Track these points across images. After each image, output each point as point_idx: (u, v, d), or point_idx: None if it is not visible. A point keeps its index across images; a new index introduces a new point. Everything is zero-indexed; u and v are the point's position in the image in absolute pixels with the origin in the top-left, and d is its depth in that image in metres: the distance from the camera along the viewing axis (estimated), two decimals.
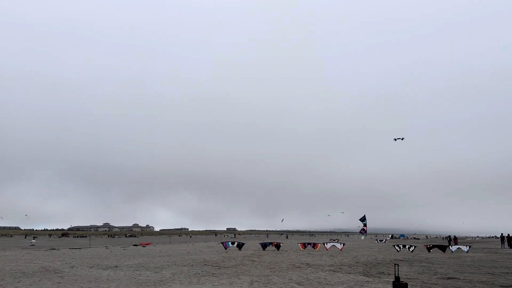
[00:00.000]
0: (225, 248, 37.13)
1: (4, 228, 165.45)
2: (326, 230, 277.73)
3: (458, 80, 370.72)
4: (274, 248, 37.01)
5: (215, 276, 16.03)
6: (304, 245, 39.15)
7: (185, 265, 20.96)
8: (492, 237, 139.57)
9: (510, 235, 45.80)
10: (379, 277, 16.53)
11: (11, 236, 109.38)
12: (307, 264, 22.34)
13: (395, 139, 43.98)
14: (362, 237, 72.82)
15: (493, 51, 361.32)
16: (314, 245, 38.33)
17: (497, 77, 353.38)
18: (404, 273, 18.16)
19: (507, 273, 18.23)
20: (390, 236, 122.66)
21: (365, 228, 48.79)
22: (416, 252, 35.26)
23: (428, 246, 37.87)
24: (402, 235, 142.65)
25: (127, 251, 35.55)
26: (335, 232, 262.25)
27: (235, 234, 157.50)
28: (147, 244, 53.41)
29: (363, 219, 47.87)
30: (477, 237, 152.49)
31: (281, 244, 37.81)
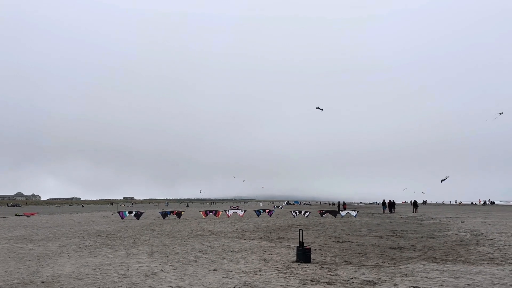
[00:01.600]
0: (122, 218, 35.20)
1: None
2: (226, 198, 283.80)
3: None
4: (175, 216, 36.15)
5: (110, 248, 14.77)
6: (206, 213, 38.96)
7: (75, 237, 19.12)
8: (373, 203, 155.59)
9: (391, 201, 51.04)
10: (280, 242, 16.84)
11: None
12: (210, 231, 22.03)
13: (317, 108, 44.66)
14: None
15: None
16: (216, 213, 38.34)
17: None
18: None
19: (392, 235, 19.95)
20: (285, 202, 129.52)
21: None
22: (311, 218, 37.34)
23: (321, 211, 40.37)
24: (296, 202, 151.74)
25: (7, 222, 31.73)
26: (235, 199, 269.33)
27: (132, 203, 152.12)
28: (32, 214, 48.51)
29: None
30: (361, 203, 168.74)
31: (182, 213, 37.08)
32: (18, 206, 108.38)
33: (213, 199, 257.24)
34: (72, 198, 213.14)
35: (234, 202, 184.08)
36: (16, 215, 47.58)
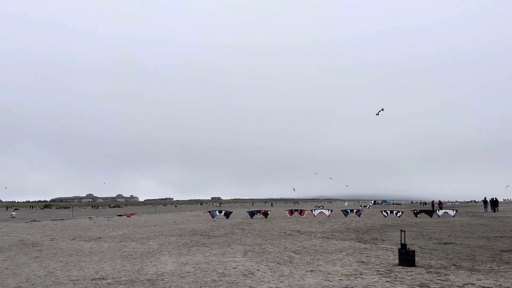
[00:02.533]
0: (212, 217, 36.50)
1: None
2: (308, 198, 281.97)
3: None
4: (261, 216, 36.56)
5: (206, 246, 15.21)
6: (291, 212, 38.84)
7: (172, 235, 20.11)
8: (471, 201, 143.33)
9: (493, 199, 46.38)
10: (374, 243, 16.02)
11: None
12: (298, 231, 21.79)
13: (377, 114, 42.80)
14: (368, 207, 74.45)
15: None
16: (301, 212, 38.04)
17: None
18: (398, 238, 17.72)
19: (501, 237, 17.97)
20: (372, 202, 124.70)
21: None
22: (403, 218, 35.30)
23: (415, 211, 38.00)
24: (385, 201, 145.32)
25: (111, 222, 34.59)
26: (318, 199, 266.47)
27: (220, 203, 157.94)
28: (132, 214, 52.49)
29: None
30: (456, 202, 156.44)
31: (268, 212, 37.38)
32: (119, 207, 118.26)
33: (296, 199, 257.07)
34: (166, 198, 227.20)
35: (318, 202, 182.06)
36: (118, 215, 51.76)
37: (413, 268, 10.03)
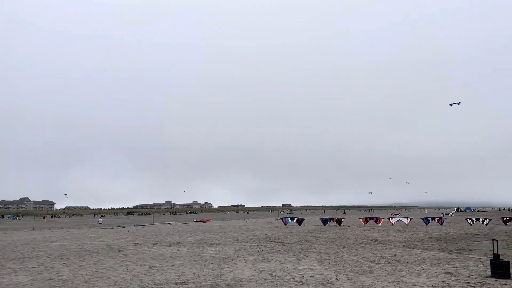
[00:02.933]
0: (285, 224, 36.46)
1: (75, 207, 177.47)
2: (383, 205, 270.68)
3: None
4: (335, 223, 35.78)
5: (280, 253, 15.18)
6: (366, 220, 37.56)
7: (247, 241, 20.38)
8: None
9: None
10: (461, 253, 14.88)
11: (81, 215, 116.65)
12: (375, 240, 20.96)
13: (451, 104, 39.64)
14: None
15: None
16: (377, 220, 36.60)
17: None
18: (487, 248, 16.32)
19: None
20: (455, 209, 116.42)
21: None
22: (491, 226, 32.54)
23: (505, 218, 34.87)
24: (468, 208, 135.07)
25: (188, 228, 35.97)
26: (394, 206, 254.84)
27: (291, 210, 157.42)
28: (207, 220, 54.21)
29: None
30: None
31: (342, 220, 36.47)
32: (195, 213, 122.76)
33: (370, 206, 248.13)
34: (238, 205, 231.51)
35: (394, 209, 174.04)
36: (195, 221, 53.75)
37: (508, 280, 9.14)
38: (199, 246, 18.42)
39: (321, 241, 20.38)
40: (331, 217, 40.57)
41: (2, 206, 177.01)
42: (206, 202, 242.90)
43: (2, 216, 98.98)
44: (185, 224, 43.29)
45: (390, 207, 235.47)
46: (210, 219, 59.58)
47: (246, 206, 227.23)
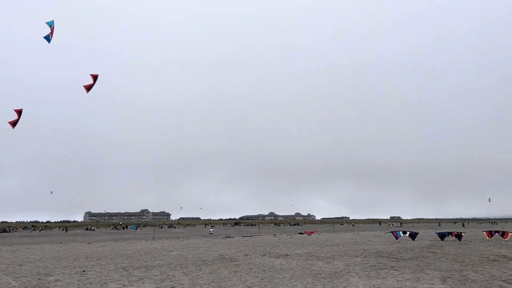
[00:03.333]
0: (396, 238, 34.34)
1: (188, 218, 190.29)
2: (509, 217, 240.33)
3: None
4: (454, 238, 32.68)
5: (395, 270, 14.27)
6: (491, 233, 33.66)
7: (357, 256, 19.61)
8: None
9: None
10: None
11: (193, 226, 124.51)
12: (505, 256, 18.63)
13: None
14: None
15: None
16: (504, 234, 32.51)
17: None
18: None
19: None
20: None
21: None
22: None
23: None
24: None
25: (294, 239, 35.99)
26: None
27: (401, 223, 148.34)
28: (312, 232, 53.71)
29: None
30: None
31: (462, 234, 33.16)
32: (298, 225, 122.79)
33: (492, 218, 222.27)
34: (342, 217, 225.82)
35: None
36: (299, 233, 53.65)
37: None
38: (307, 259, 18.23)
39: (440, 257, 18.73)
40: (449, 231, 37.19)
41: (126, 217, 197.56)
42: (309, 214, 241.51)
43: (126, 227, 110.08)
44: (291, 236, 43.41)
45: None
46: (315, 231, 58.93)
47: (350, 218, 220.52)
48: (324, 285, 11.24)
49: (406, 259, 17.88)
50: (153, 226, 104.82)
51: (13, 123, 22.44)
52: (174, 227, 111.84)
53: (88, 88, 22.32)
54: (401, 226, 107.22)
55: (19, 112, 22.48)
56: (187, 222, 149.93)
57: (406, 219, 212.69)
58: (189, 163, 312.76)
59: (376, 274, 13.16)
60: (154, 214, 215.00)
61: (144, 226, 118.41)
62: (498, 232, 33.95)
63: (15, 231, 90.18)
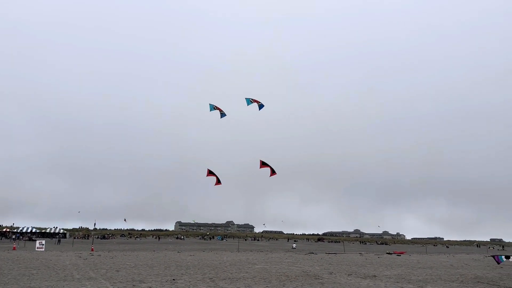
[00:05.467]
0: (498, 263, 31.00)
1: (271, 231, 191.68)
2: None
3: None
4: None
5: None
6: None
7: (453, 281, 18.11)
8: None
9: None
10: None
11: (276, 239, 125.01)
12: None
13: None
14: None
15: None
16: None
17: None
18: None
19: None
20: None
21: None
22: None
23: None
24: None
25: (382, 259, 34.35)
26: None
27: (503, 246, 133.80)
28: (402, 253, 50.77)
29: None
30: None
31: None
32: (386, 244, 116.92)
33: None
34: (435, 238, 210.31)
35: None
36: (387, 253, 51.02)
37: None
38: (397, 282, 17.27)
39: None
40: None
41: (212, 228, 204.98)
42: (398, 233, 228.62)
43: (213, 237, 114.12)
44: (378, 256, 41.49)
45: None
46: (405, 252, 55.61)
47: (444, 239, 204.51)
48: None
49: (510, 287, 16.10)
50: (238, 237, 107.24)
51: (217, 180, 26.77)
52: (258, 240, 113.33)
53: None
54: (503, 249, 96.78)
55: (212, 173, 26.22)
56: (270, 235, 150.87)
57: (509, 242, 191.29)
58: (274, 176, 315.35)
59: None
60: (238, 226, 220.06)
61: (229, 237, 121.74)
62: None
63: (114, 238, 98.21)
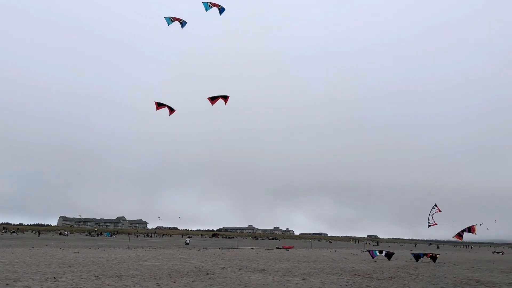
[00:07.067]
0: (372, 257, 34.49)
1: (165, 227, 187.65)
2: (483, 241, 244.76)
3: None
4: (429, 259, 33.08)
5: None
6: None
7: (333, 274, 19.63)
8: None
9: None
10: None
11: (170, 235, 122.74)
12: (478, 280, 18.92)
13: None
14: None
15: None
16: (426, 255, 32.84)
17: None
18: None
19: None
20: None
21: None
22: None
23: None
24: None
25: (271, 254, 35.82)
26: (494, 243, 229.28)
27: (377, 242, 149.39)
28: (290, 248, 53.60)
29: None
30: None
31: (437, 256, 33.60)
32: (276, 239, 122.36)
33: (467, 242, 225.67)
34: (320, 233, 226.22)
35: (495, 246, 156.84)
36: (277, 247, 53.41)
37: None
38: (284, 275, 18.15)
39: (414, 278, 18.92)
40: (425, 252, 37.61)
41: (101, 224, 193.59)
42: (287, 229, 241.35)
43: (101, 234, 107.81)
44: (268, 251, 43.20)
45: (490, 244, 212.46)
46: (292, 247, 58.82)
47: (328, 235, 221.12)
48: None
49: (381, 279, 17.99)
50: (129, 234, 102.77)
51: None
52: (151, 236, 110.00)
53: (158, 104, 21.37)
54: (377, 245, 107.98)
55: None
56: (164, 232, 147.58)
57: (383, 238, 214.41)
58: (170, 172, 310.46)
59: None
60: (130, 222, 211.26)
61: (119, 233, 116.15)
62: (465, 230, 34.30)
63: None
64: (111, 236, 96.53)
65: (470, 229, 32.32)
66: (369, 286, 15.38)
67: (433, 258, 32.71)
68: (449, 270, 24.73)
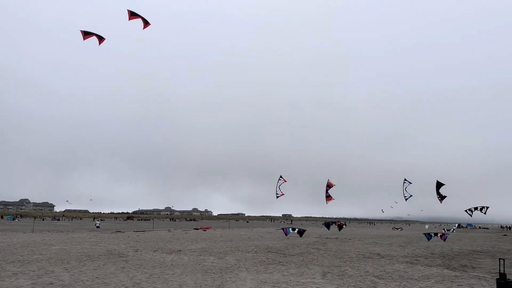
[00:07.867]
0: (286, 234, 36.26)
1: (75, 211, 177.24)
2: (384, 218, 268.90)
3: None
4: (336, 227, 35.86)
5: (282, 265, 15.05)
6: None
7: (248, 251, 20.24)
8: None
9: None
10: (464, 271, 14.71)
11: (81, 219, 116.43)
12: (378, 254, 20.78)
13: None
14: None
15: None
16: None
17: None
18: (490, 266, 16.16)
19: None
20: (456, 225, 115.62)
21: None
22: (494, 243, 32.30)
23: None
24: (470, 225, 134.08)
25: (189, 235, 35.80)
26: (395, 220, 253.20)
27: (291, 220, 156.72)
28: (207, 228, 54.00)
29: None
30: None
31: (343, 225, 36.53)
32: (195, 221, 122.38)
33: (370, 219, 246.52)
34: (238, 213, 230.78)
35: (395, 223, 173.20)
36: (195, 228, 53.51)
37: None
38: (200, 255, 18.28)
39: (323, 253, 20.22)
40: (334, 221, 40.76)
41: (1, 207, 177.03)
42: (206, 210, 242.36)
43: (2, 217, 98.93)
44: (185, 232, 43.09)
45: (391, 221, 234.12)
46: (210, 227, 59.35)
47: (246, 215, 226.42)
48: (214, 280, 11.38)
49: (293, 255, 18.95)
50: (34, 217, 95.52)
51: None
52: (58, 219, 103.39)
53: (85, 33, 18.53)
54: (291, 223, 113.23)
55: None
56: (73, 215, 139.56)
57: (297, 217, 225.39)
58: (81, 153, 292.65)
59: (264, 269, 13.73)
60: (35, 204, 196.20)
61: (22, 217, 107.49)
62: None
63: None
64: (13, 219, 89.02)
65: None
66: (281, 261, 16.11)
67: (340, 226, 35.34)
68: (354, 245, 26.83)
